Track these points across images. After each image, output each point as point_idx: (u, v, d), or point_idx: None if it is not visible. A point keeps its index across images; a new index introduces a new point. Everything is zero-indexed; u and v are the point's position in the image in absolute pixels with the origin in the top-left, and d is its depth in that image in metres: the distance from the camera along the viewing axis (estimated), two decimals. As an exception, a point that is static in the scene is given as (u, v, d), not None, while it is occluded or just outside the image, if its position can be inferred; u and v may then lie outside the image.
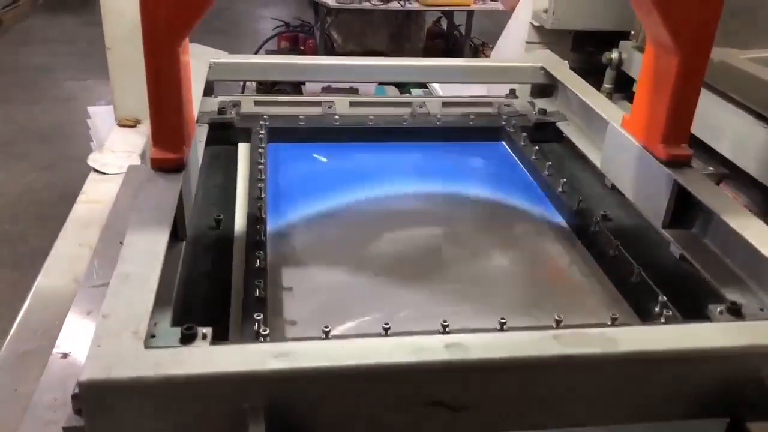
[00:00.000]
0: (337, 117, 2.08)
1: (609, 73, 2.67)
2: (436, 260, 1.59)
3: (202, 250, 1.48)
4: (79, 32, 8.82)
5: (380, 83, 3.68)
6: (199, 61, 2.05)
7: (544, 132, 2.09)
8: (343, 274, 1.50)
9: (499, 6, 6.85)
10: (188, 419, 0.93)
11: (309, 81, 3.24)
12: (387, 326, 1.11)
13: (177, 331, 1.04)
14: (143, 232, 1.21)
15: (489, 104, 2.25)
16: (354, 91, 4.43)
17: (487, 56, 6.52)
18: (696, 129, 1.63)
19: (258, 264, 1.37)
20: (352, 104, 2.18)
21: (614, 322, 1.18)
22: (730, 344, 1.03)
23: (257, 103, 2.28)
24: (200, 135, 1.82)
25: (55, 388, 1.25)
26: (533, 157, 1.94)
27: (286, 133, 2.02)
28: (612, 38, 2.71)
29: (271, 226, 1.58)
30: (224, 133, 1.97)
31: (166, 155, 1.39)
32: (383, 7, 6.87)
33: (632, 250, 1.50)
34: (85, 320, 1.46)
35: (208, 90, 2.10)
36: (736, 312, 1.19)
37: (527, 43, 2.93)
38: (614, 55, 2.63)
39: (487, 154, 2.12)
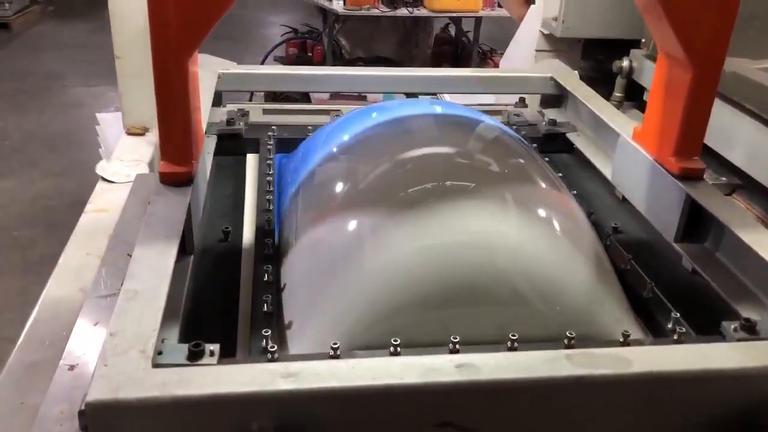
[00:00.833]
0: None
1: (619, 82, 2.65)
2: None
3: (210, 264, 1.47)
4: (88, 38, 8.88)
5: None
6: (207, 71, 2.05)
7: (554, 143, 2.08)
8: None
9: (507, 12, 6.83)
10: (195, 440, 0.92)
11: (317, 92, 3.24)
12: (396, 342, 1.09)
13: (185, 348, 1.03)
14: (151, 247, 1.20)
15: (498, 113, 2.24)
16: (362, 98, 4.43)
17: (496, 63, 6.52)
18: (708, 139, 1.61)
19: (266, 278, 1.36)
20: (360, 113, 2.17)
21: (626, 339, 1.16)
22: (745, 365, 1.02)
23: (266, 112, 2.28)
24: (209, 146, 1.82)
25: (62, 400, 1.23)
26: (543, 168, 1.92)
27: (294, 144, 2.02)
28: (622, 46, 2.69)
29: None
30: (232, 144, 1.97)
31: (175, 169, 1.39)
32: (391, 13, 6.88)
33: (644, 263, 1.48)
34: (92, 331, 1.45)
35: (217, 100, 2.10)
36: (750, 329, 1.17)
37: (537, 51, 2.91)
38: (625, 63, 2.61)
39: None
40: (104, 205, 2.28)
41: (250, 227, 1.63)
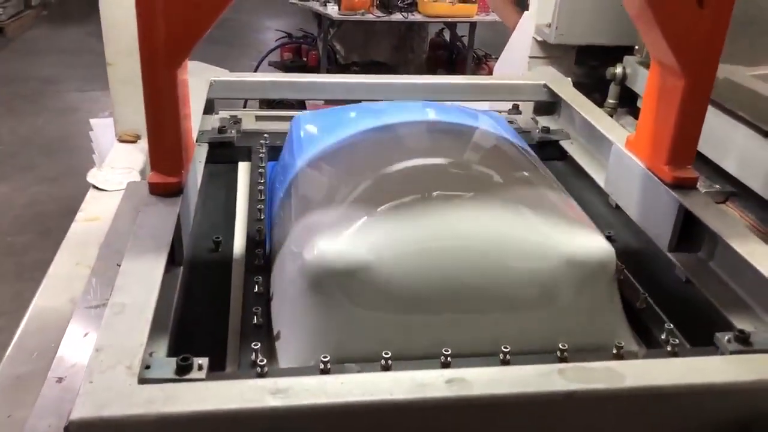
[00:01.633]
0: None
1: (613, 89, 2.65)
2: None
3: (200, 275, 1.46)
4: (83, 43, 8.86)
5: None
6: (199, 79, 2.04)
7: (548, 150, 2.07)
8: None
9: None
10: (182, 457, 0.91)
11: (311, 99, 3.23)
12: (387, 355, 1.08)
13: (173, 362, 1.02)
14: (139, 260, 1.19)
15: (492, 121, 2.23)
16: (358, 102, 4.42)
17: (491, 67, 6.52)
18: (702, 146, 1.61)
19: (257, 289, 1.34)
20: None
21: (619, 351, 1.15)
22: (738, 379, 1.01)
23: (258, 119, 2.27)
24: (200, 155, 1.81)
25: (50, 414, 1.22)
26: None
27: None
28: (616, 53, 2.69)
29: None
30: (224, 152, 1.96)
31: (164, 179, 1.38)
32: (386, 18, 6.89)
33: (637, 273, 1.48)
34: (81, 342, 1.44)
35: (209, 108, 2.09)
36: (743, 341, 1.16)
37: (530, 57, 2.91)
38: (618, 70, 2.61)
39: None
40: (95, 214, 2.27)
41: (241, 237, 1.61)
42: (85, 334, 1.45)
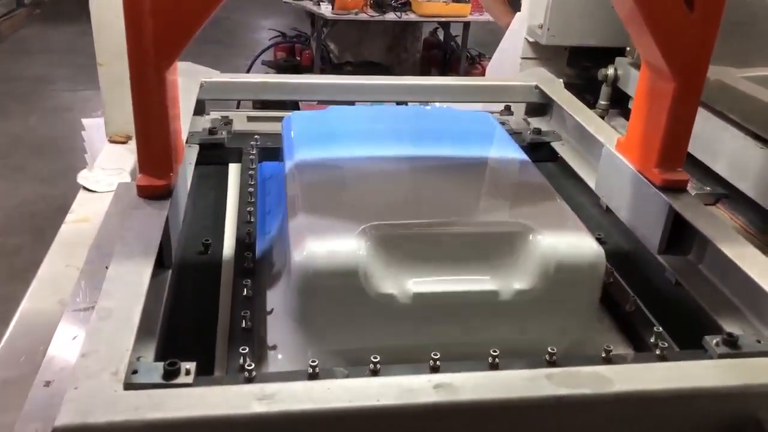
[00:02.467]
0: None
1: (604, 90, 2.65)
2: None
3: (189, 278, 1.45)
4: (76, 42, 8.81)
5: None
6: (189, 80, 2.03)
7: (539, 151, 2.07)
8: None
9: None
10: (168, 464, 0.90)
11: (303, 100, 3.22)
12: (376, 360, 1.07)
13: (160, 367, 1.01)
14: (127, 264, 1.18)
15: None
16: (350, 103, 4.42)
17: (484, 67, 6.52)
18: (692, 148, 1.61)
19: (245, 293, 1.34)
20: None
21: (608, 354, 1.15)
22: (726, 383, 1.01)
23: (250, 119, 2.26)
24: (190, 156, 1.80)
25: (37, 418, 1.21)
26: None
27: (277, 153, 2.00)
28: (608, 53, 2.69)
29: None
30: (215, 154, 1.95)
31: (153, 182, 1.37)
32: (379, 18, 6.88)
33: (627, 275, 1.48)
34: (70, 345, 1.43)
35: (200, 109, 2.08)
36: (732, 344, 1.16)
37: (522, 58, 2.91)
38: (610, 71, 2.61)
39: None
40: (85, 215, 2.25)
41: (231, 239, 1.60)
42: (74, 337, 1.44)
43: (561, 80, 2.31)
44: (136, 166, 2.50)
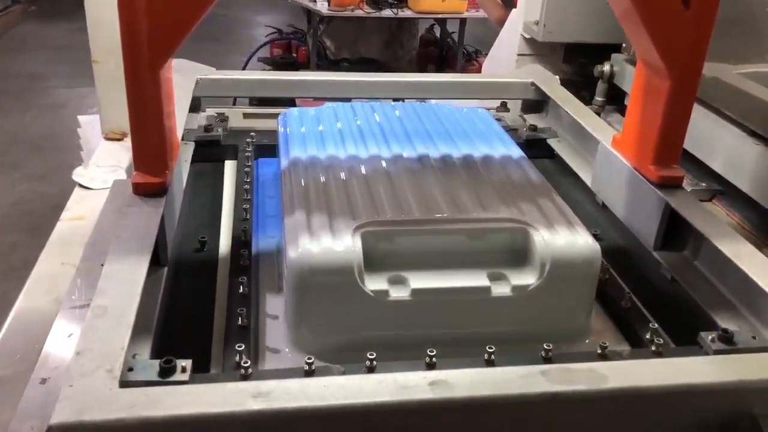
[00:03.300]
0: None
1: (601, 86, 2.65)
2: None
3: (185, 275, 1.45)
4: (72, 38, 8.77)
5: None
6: (185, 77, 2.02)
7: (535, 148, 2.07)
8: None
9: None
10: (164, 461, 0.90)
11: (299, 97, 3.21)
12: (372, 357, 1.07)
13: (155, 364, 1.01)
14: (122, 261, 1.18)
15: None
16: (346, 100, 4.41)
17: (481, 63, 6.52)
18: (688, 144, 1.61)
19: (241, 290, 1.34)
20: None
21: (604, 351, 1.15)
22: (721, 379, 1.01)
23: (246, 116, 2.25)
24: (185, 154, 1.79)
25: (33, 416, 1.21)
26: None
27: (273, 150, 1.99)
28: (604, 50, 2.69)
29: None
30: (210, 151, 1.94)
31: (148, 179, 1.37)
32: (376, 14, 6.87)
33: (623, 272, 1.48)
34: (65, 343, 1.43)
35: (195, 106, 2.07)
36: (727, 340, 1.17)
37: (519, 55, 2.91)
38: (606, 68, 2.61)
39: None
40: (81, 213, 2.25)
41: (227, 236, 1.60)
42: (70, 335, 1.44)
43: (557, 77, 2.30)
44: (132, 163, 2.51)
